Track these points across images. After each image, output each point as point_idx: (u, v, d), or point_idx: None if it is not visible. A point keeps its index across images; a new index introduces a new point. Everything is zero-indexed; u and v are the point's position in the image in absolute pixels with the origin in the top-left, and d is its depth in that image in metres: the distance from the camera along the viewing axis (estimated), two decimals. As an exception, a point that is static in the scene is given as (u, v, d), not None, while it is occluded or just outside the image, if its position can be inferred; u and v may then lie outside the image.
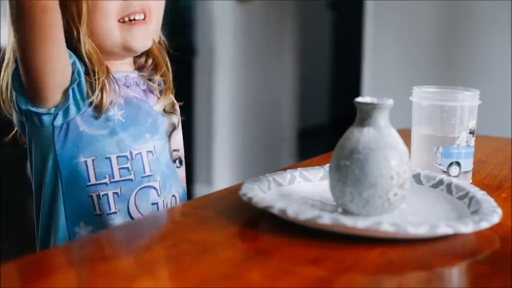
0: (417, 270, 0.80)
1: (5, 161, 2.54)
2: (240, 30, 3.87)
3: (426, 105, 1.17)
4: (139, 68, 1.24)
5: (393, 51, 3.21)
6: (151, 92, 1.21)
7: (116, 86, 1.14)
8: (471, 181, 1.19)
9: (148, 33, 1.17)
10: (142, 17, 1.14)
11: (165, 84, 1.24)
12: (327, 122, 5.97)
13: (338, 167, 0.91)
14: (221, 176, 3.84)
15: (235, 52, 3.85)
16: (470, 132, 1.17)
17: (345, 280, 0.76)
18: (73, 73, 1.08)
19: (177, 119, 1.23)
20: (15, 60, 1.08)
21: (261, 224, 0.93)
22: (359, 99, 0.92)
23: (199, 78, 3.81)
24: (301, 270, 0.77)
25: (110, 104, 1.12)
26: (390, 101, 0.91)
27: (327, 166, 1.08)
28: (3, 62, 1.16)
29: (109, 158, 1.11)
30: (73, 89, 1.08)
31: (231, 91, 3.86)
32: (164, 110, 1.21)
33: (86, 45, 1.10)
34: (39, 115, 1.08)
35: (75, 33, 1.10)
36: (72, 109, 1.09)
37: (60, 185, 1.11)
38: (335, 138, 0.99)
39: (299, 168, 1.10)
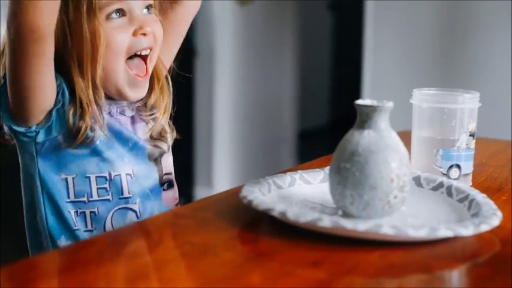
0: (417, 272, 0.80)
1: (5, 161, 2.54)
2: (240, 31, 3.87)
3: (426, 107, 1.17)
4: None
5: (393, 52, 3.21)
6: (142, 119, 1.21)
7: (98, 114, 1.14)
8: (471, 184, 1.19)
9: (146, 85, 1.18)
10: (148, 52, 1.15)
11: (157, 110, 1.23)
12: (327, 123, 5.97)
13: (338, 170, 0.91)
14: (221, 177, 3.84)
15: (236, 53, 3.85)
16: (470, 135, 1.17)
17: (345, 282, 0.76)
18: (57, 94, 1.09)
19: (166, 145, 1.23)
20: (3, 76, 1.09)
21: (261, 227, 0.93)
22: (359, 102, 0.92)
23: (199, 79, 3.81)
24: (301, 273, 0.77)
25: (91, 129, 1.12)
26: (390, 104, 0.91)
27: (327, 168, 1.08)
28: None
29: (88, 178, 1.12)
30: (57, 110, 1.09)
31: (231, 92, 3.86)
32: (151, 137, 1.21)
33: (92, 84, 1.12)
34: (21, 132, 1.10)
35: (84, 65, 1.10)
36: (55, 128, 1.10)
37: (42, 199, 1.12)
38: (335, 139, 0.99)
39: (299, 171, 1.10)
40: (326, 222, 0.84)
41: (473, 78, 2.97)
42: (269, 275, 0.77)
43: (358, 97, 3.34)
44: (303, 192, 1.05)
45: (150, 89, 1.21)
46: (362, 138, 0.90)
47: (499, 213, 0.92)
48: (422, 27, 3.12)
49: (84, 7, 1.07)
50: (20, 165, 1.16)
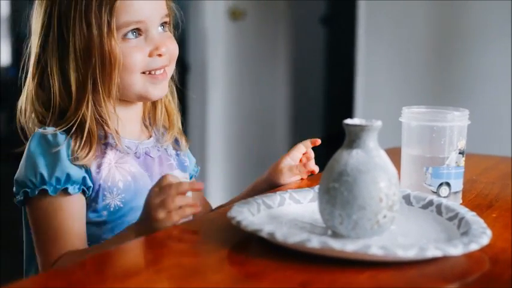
0: (406, 293, 0.80)
1: (5, 175, 2.53)
2: (233, 47, 3.87)
3: (415, 125, 1.17)
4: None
5: (386, 68, 3.22)
6: (170, 155, 1.24)
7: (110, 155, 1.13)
8: (461, 201, 1.19)
9: (166, 84, 1.19)
10: (162, 71, 1.16)
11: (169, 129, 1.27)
12: (319, 138, 5.96)
13: (327, 189, 0.91)
14: (214, 193, 3.83)
15: (228, 69, 3.86)
16: (460, 153, 1.17)
17: (333, 305, 0.75)
18: (85, 193, 1.09)
19: None
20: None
21: (250, 248, 0.92)
22: (348, 121, 0.92)
23: (192, 94, 3.81)
24: (290, 295, 0.77)
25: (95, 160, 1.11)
26: (379, 123, 0.91)
27: (316, 187, 1.08)
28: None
29: None
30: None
31: (224, 108, 3.86)
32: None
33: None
34: None
35: (100, 82, 1.11)
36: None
37: None
38: (328, 154, 0.99)
39: (289, 190, 1.10)
40: (314, 243, 0.84)
41: (465, 95, 2.98)
42: (257, 297, 0.76)
43: (350, 112, 3.34)
44: (292, 212, 1.05)
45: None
46: (350, 158, 0.90)
47: (489, 232, 0.91)
48: (414, 43, 3.13)
49: (105, 27, 1.09)
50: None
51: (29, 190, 1.07)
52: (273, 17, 4.17)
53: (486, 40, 2.92)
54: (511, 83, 2.83)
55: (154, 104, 1.25)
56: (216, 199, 3.77)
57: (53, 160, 1.07)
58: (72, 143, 1.08)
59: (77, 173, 1.07)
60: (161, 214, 0.96)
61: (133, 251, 0.94)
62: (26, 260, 1.16)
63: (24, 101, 1.16)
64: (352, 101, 3.37)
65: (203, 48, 3.73)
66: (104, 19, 1.09)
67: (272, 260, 0.86)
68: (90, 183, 1.09)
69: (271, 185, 1.30)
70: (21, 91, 1.17)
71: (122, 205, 1.11)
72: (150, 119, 1.25)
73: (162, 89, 1.17)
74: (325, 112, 6.02)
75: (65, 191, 1.06)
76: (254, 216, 0.99)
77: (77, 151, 1.08)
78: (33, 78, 1.14)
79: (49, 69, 1.12)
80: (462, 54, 2.99)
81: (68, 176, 1.06)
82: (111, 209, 1.11)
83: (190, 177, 1.32)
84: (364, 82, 3.27)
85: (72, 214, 1.07)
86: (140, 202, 1.10)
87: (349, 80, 3.65)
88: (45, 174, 1.06)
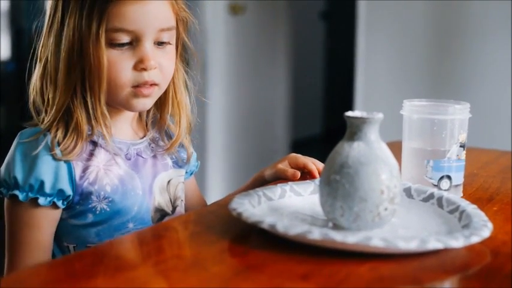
0: (407, 285, 0.80)
1: None
2: (233, 42, 3.87)
3: (416, 118, 1.17)
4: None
5: (386, 61, 3.22)
6: (166, 155, 1.20)
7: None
8: (462, 194, 1.18)
9: (151, 101, 1.13)
10: (151, 91, 1.10)
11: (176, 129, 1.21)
12: (320, 132, 5.97)
13: (328, 182, 0.90)
14: (214, 188, 3.83)
15: (228, 63, 3.85)
16: (460, 146, 1.17)
17: (334, 296, 0.75)
18: (56, 206, 1.07)
19: (170, 207, 1.19)
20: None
21: (251, 239, 0.92)
22: (349, 114, 0.91)
23: (191, 89, 3.81)
24: (291, 286, 0.77)
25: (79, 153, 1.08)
26: (380, 115, 0.91)
27: (317, 180, 1.08)
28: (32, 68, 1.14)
29: (89, 247, 1.08)
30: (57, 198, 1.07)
31: (224, 102, 3.85)
32: (169, 183, 1.19)
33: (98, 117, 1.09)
34: None
35: (91, 86, 1.08)
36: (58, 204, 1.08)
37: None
38: (328, 149, 0.99)
39: (290, 183, 1.09)
40: (316, 234, 0.84)
41: (465, 90, 2.98)
42: (258, 288, 0.76)
43: (350, 106, 3.34)
44: (293, 204, 1.05)
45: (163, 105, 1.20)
46: (352, 150, 0.90)
47: (490, 225, 0.91)
48: (415, 37, 3.13)
49: (93, 27, 1.05)
50: None
51: (4, 191, 1.06)
52: (273, 11, 4.16)
53: (486, 33, 2.92)
54: (512, 77, 2.83)
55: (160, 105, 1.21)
56: (214, 195, 3.77)
57: (30, 166, 1.04)
58: (53, 135, 1.06)
59: (52, 184, 1.05)
60: None
61: (133, 242, 0.94)
62: None
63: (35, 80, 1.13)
64: (352, 96, 3.37)
65: (203, 43, 3.73)
66: (94, 19, 1.05)
67: (273, 251, 0.86)
68: (69, 192, 1.06)
69: (268, 181, 1.29)
70: (20, 86, 1.16)
71: (108, 209, 1.09)
72: (147, 118, 1.21)
73: (144, 104, 1.11)
74: (325, 107, 6.02)
75: (35, 201, 1.04)
76: (255, 208, 0.99)
77: (61, 144, 1.06)
78: (40, 60, 1.11)
79: (48, 52, 1.10)
80: (462, 47, 2.99)
81: (42, 184, 1.04)
82: (97, 212, 1.09)
83: (191, 173, 1.30)
84: (364, 77, 3.27)
85: (38, 226, 1.06)
86: (127, 204, 1.10)
87: (349, 74, 3.65)
88: (20, 179, 1.04)
